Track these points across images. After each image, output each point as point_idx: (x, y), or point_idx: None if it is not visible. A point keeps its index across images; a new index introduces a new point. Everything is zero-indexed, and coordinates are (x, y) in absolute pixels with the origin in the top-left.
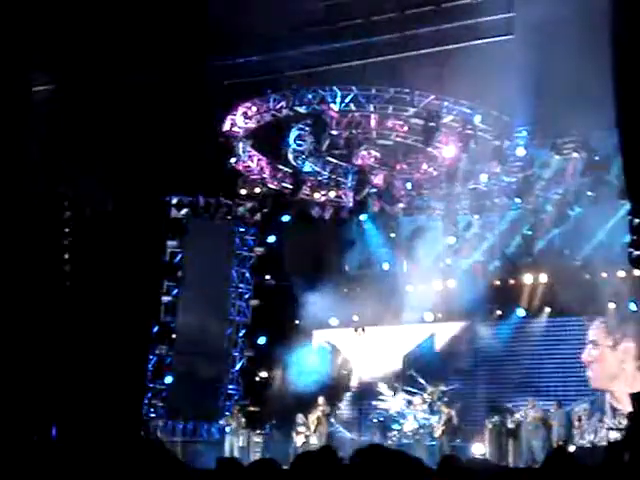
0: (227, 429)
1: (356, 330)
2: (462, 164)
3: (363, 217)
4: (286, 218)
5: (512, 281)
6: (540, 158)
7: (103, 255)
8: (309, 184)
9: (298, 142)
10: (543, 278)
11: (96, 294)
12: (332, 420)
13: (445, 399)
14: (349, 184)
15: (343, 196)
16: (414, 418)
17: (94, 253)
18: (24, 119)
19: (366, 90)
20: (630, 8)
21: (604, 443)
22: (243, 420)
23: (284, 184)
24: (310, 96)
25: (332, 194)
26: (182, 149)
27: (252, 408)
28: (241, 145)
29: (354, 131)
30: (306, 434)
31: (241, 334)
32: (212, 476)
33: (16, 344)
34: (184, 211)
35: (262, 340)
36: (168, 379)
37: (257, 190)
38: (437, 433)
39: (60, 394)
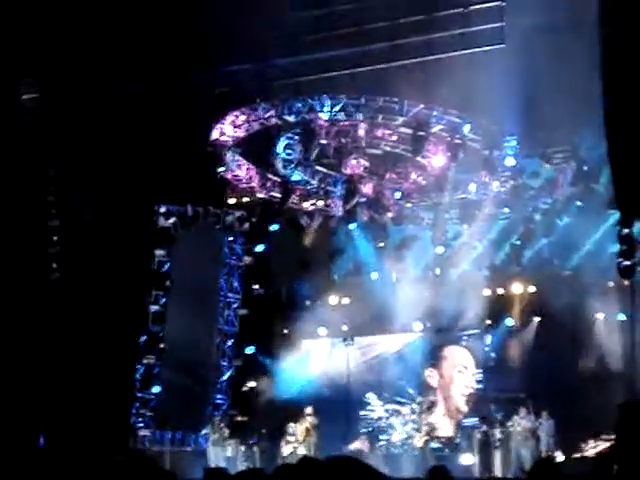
0: (209, 440)
1: (345, 340)
2: (451, 173)
3: (352, 226)
4: (275, 227)
5: (501, 291)
6: (529, 168)
7: (91, 264)
8: (298, 193)
9: (287, 151)
10: (532, 288)
11: (84, 303)
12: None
13: (432, 409)
14: (338, 193)
15: (332, 205)
16: (402, 428)
17: (82, 262)
18: (12, 127)
19: (355, 99)
20: (619, 18)
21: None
22: (227, 431)
23: (273, 193)
24: (299, 105)
25: (321, 203)
26: (170, 158)
27: (240, 418)
28: (230, 154)
29: (343, 140)
30: (294, 445)
31: (229, 344)
32: None
33: (4, 353)
34: (172, 220)
35: (250, 350)
36: (156, 389)
37: (246, 199)
38: (419, 443)
39: (48, 403)
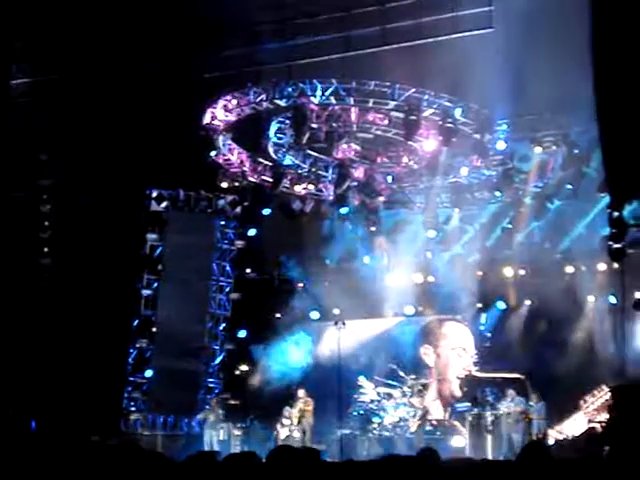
0: (205, 422)
1: (336, 323)
2: (442, 157)
3: (344, 210)
4: (267, 211)
5: (492, 274)
6: (520, 151)
7: (83, 248)
8: (289, 177)
9: (278, 135)
10: (523, 271)
11: (76, 287)
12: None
13: (423, 392)
14: (329, 177)
15: (324, 189)
16: (394, 411)
17: (74, 246)
18: (3, 111)
19: (346, 83)
20: (609, 1)
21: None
22: (221, 413)
23: (264, 177)
24: (290, 89)
25: (312, 187)
26: (162, 142)
27: (232, 401)
28: (221, 138)
29: (334, 124)
30: (289, 429)
31: (221, 327)
32: (190, 468)
33: None
34: (164, 204)
35: (242, 334)
36: (148, 372)
37: (237, 183)
38: (413, 427)
39: (40, 388)
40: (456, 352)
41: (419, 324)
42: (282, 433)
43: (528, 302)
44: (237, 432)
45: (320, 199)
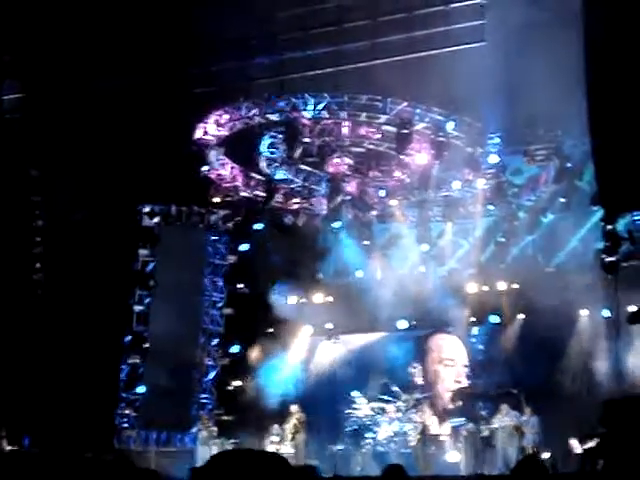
0: (198, 439)
1: (330, 338)
2: (435, 171)
3: (336, 225)
4: (259, 226)
5: (486, 288)
6: (512, 165)
7: (75, 264)
8: (282, 192)
9: (271, 150)
10: (516, 285)
11: (68, 303)
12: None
13: (420, 407)
14: (322, 192)
15: (316, 204)
16: (388, 426)
17: (66, 262)
18: None
19: (338, 97)
20: (602, 14)
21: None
22: (215, 429)
23: (257, 192)
24: (282, 103)
25: (305, 202)
26: (154, 157)
27: (225, 417)
28: (213, 153)
29: (327, 138)
30: (277, 447)
31: (214, 343)
32: None
33: None
34: (156, 219)
35: (235, 349)
36: (141, 389)
37: (229, 198)
38: (413, 442)
39: (32, 404)
40: (444, 364)
41: (413, 338)
42: (270, 450)
43: (521, 316)
44: (230, 448)
45: (313, 213)
